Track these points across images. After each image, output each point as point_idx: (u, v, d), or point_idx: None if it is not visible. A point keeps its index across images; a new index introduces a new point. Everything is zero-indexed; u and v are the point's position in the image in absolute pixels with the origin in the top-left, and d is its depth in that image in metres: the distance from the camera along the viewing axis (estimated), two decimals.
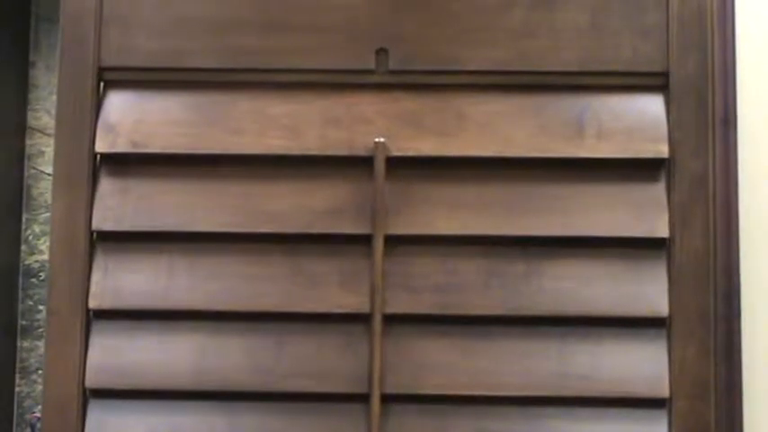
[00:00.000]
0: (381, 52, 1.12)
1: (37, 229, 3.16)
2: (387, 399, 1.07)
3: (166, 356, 1.09)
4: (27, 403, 3.11)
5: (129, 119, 1.12)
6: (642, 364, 1.07)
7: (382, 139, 1.09)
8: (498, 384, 1.07)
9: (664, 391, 1.06)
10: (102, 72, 1.13)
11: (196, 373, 1.08)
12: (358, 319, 1.09)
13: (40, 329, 3.11)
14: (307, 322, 1.10)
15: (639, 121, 1.10)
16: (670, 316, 1.07)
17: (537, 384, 1.07)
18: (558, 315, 1.08)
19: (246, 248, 1.11)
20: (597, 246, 1.10)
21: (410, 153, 1.10)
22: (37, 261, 3.15)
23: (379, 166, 1.08)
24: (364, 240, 1.09)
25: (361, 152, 1.10)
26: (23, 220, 3.16)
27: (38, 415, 3.02)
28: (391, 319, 1.08)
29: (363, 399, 1.08)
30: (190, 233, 1.10)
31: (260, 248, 1.10)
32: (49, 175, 3.16)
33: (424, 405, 1.08)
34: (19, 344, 3.12)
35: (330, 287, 1.09)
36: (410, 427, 1.07)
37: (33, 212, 3.17)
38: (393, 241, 1.09)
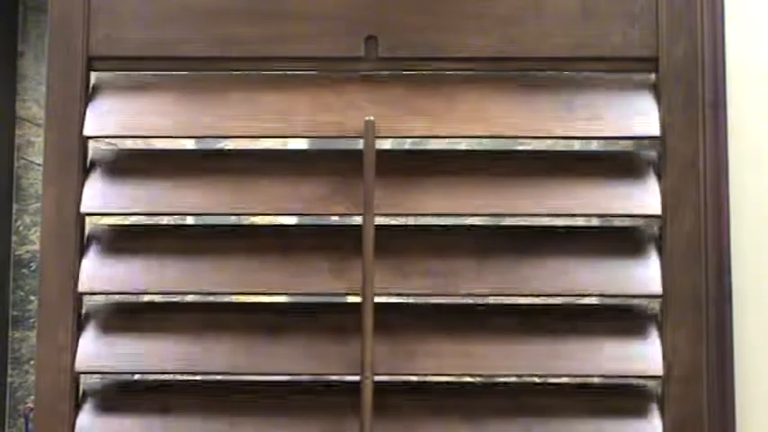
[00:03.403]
0: (371, 40, 1.12)
1: (27, 219, 3.15)
2: (379, 384, 1.08)
3: (158, 345, 1.09)
4: (19, 394, 3.10)
5: (118, 108, 1.11)
6: (635, 347, 1.07)
7: (371, 118, 1.08)
8: (490, 368, 1.07)
9: (657, 373, 1.07)
10: (91, 62, 1.12)
11: (189, 361, 1.08)
12: (349, 305, 1.09)
13: (32, 320, 3.10)
14: (298, 309, 1.10)
15: (630, 105, 1.10)
16: (662, 299, 1.08)
17: (529, 368, 1.07)
18: (551, 297, 1.08)
19: (238, 236, 1.11)
20: (589, 228, 1.10)
21: (401, 134, 1.09)
22: (28, 251, 3.14)
23: (369, 146, 1.08)
24: (355, 225, 1.10)
25: (352, 134, 1.09)
26: (14, 210, 3.15)
27: (31, 405, 3.01)
28: (382, 305, 1.08)
29: (355, 384, 1.08)
30: (181, 221, 1.10)
31: (251, 236, 1.10)
32: (38, 165, 3.15)
33: (416, 390, 1.09)
34: (11, 334, 3.11)
35: (321, 273, 1.09)
36: (402, 412, 1.08)
37: (23, 203, 3.16)
38: (384, 226, 1.09)
